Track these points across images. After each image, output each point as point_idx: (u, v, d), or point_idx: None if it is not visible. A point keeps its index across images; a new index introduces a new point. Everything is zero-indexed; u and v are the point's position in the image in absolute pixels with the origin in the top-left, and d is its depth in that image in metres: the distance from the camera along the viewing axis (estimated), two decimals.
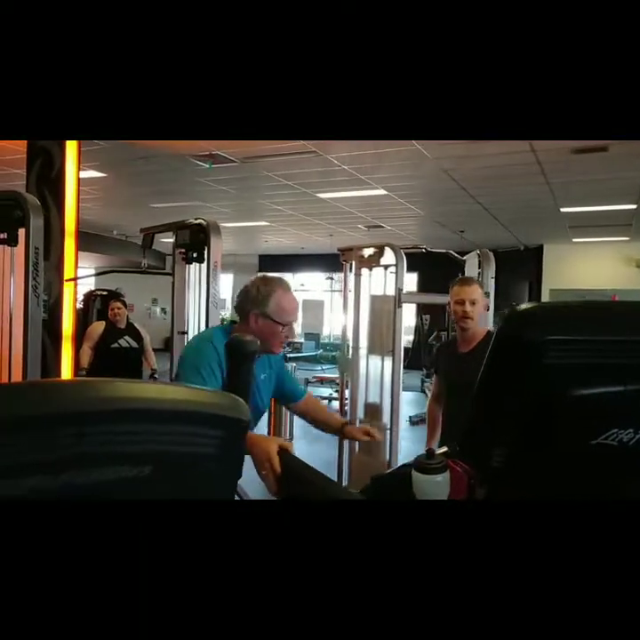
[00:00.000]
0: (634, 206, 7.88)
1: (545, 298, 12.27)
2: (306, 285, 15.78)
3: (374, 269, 3.82)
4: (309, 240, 12.31)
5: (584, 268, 11.75)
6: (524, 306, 0.86)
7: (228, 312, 15.81)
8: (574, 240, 11.00)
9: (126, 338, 4.72)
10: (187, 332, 3.86)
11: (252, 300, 1.81)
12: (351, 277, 4.14)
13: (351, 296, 4.15)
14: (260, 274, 1.76)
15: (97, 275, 6.10)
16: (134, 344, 4.75)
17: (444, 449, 1.03)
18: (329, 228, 10.56)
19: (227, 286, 16.31)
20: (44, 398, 0.45)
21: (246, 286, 1.85)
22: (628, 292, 11.29)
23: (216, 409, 0.53)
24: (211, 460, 0.53)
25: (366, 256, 3.84)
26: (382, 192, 7.46)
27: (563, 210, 8.20)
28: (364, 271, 3.97)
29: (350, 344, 4.24)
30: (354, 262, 4.05)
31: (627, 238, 10.63)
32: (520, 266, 12.19)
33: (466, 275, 4.33)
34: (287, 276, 15.60)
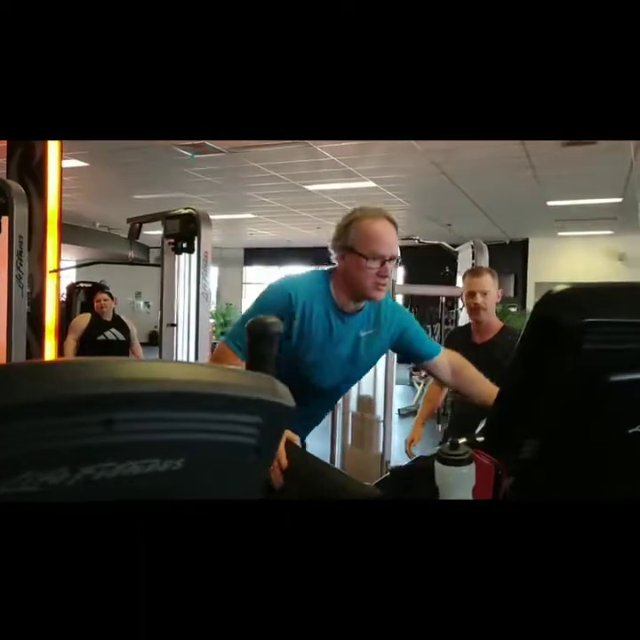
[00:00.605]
0: (619, 200, 7.93)
1: (530, 292, 12.34)
2: None
3: None
4: (296, 233, 12.22)
5: (568, 261, 11.83)
6: (560, 287, 0.81)
7: (212, 306, 15.71)
8: (559, 234, 11.07)
9: (113, 330, 4.62)
10: (176, 325, 3.78)
11: (335, 235, 1.55)
12: None
13: None
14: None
15: (81, 266, 5.97)
16: (121, 336, 4.65)
17: (464, 440, 0.97)
18: (316, 220, 10.48)
19: (212, 280, 16.17)
20: (66, 379, 0.39)
21: None
22: None
23: (254, 393, 0.47)
24: (250, 451, 0.46)
25: None
26: (371, 184, 7.41)
27: (549, 203, 8.23)
28: None
29: None
30: None
31: (611, 232, 10.72)
32: (506, 259, 12.21)
33: (459, 267, 4.30)
34: (273, 270, 15.60)
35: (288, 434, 1.20)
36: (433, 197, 8.20)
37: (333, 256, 1.57)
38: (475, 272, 2.60)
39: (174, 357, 3.78)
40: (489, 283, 2.48)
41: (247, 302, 16.06)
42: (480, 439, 0.99)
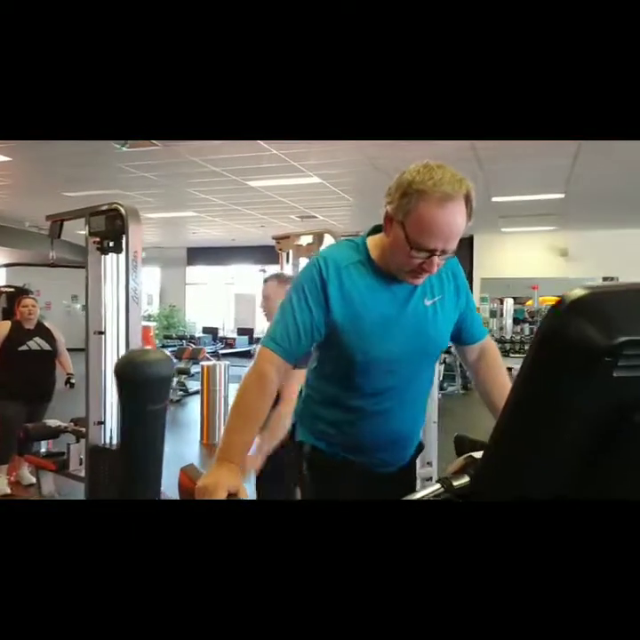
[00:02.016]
0: (562, 196, 8.00)
1: (476, 287, 12.44)
2: (236, 279, 15.34)
3: None
4: (240, 231, 11.88)
5: (512, 257, 12.00)
6: (579, 291, 0.57)
7: (155, 308, 15.17)
8: (503, 230, 11.17)
9: (37, 339, 4.18)
10: (104, 332, 3.42)
11: (390, 192, 1.23)
12: (288, 267, 3.83)
13: (288, 288, 3.84)
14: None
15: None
16: (46, 346, 4.22)
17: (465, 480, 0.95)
18: (260, 218, 10.19)
19: (153, 281, 15.61)
20: None
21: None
22: (552, 280, 11.63)
23: None
24: None
25: (305, 244, 3.54)
26: (316, 180, 7.18)
27: (494, 199, 8.22)
28: (303, 260, 3.67)
29: None
30: (291, 251, 3.74)
31: (553, 228, 10.90)
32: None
33: None
34: (218, 270, 15.22)
35: (234, 487, 1.09)
36: (377, 194, 8.03)
37: (382, 210, 1.27)
38: (265, 279, 2.86)
39: (102, 369, 3.42)
40: (271, 288, 2.74)
41: (190, 303, 15.62)
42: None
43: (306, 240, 3.58)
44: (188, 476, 1.32)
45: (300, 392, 1.54)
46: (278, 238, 3.84)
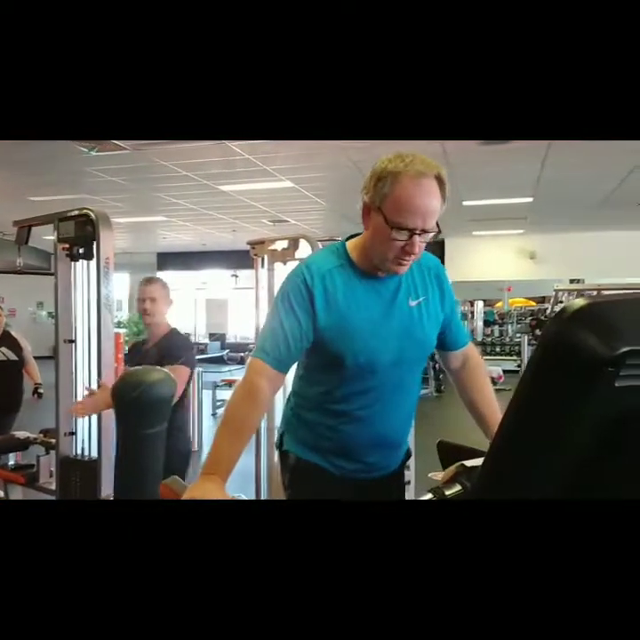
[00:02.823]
0: (530, 199, 8.16)
1: None
2: (209, 284, 15.21)
3: (289, 264, 3.50)
4: (211, 236, 11.80)
5: (482, 260, 12.18)
6: (581, 301, 0.57)
7: (124, 314, 14.91)
8: (474, 233, 11.33)
9: (2, 349, 4.06)
10: (74, 341, 3.33)
11: (366, 182, 1.25)
12: (263, 273, 3.79)
13: (263, 293, 3.80)
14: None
15: None
16: (13, 356, 4.09)
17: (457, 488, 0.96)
18: (232, 223, 10.13)
19: (122, 288, 15.35)
20: None
21: None
22: (521, 282, 11.85)
23: None
24: None
25: (280, 249, 3.51)
26: (288, 184, 7.16)
27: (465, 203, 8.34)
28: (278, 266, 3.64)
29: None
30: (266, 257, 3.71)
31: (522, 231, 11.10)
32: None
33: None
34: (189, 275, 15.07)
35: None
36: (350, 197, 8.06)
37: (359, 205, 1.29)
38: (147, 281, 3.02)
39: (73, 377, 3.33)
40: (157, 290, 2.91)
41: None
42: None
43: (281, 245, 3.55)
44: (170, 488, 1.28)
45: (289, 400, 1.52)
46: (253, 243, 3.80)
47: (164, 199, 8.26)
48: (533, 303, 12.37)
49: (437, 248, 12.43)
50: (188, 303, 15.48)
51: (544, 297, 11.43)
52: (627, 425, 0.59)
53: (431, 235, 1.23)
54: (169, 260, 14.94)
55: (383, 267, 1.28)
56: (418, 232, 1.21)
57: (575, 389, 0.56)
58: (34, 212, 3.57)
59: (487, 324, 12.78)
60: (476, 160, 6.15)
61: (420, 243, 1.22)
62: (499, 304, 12.67)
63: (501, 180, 7.12)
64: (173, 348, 2.84)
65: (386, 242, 1.22)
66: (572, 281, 11.04)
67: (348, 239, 1.38)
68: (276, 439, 1.56)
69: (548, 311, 8.67)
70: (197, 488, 1.08)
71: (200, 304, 15.62)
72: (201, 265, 14.67)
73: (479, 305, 12.44)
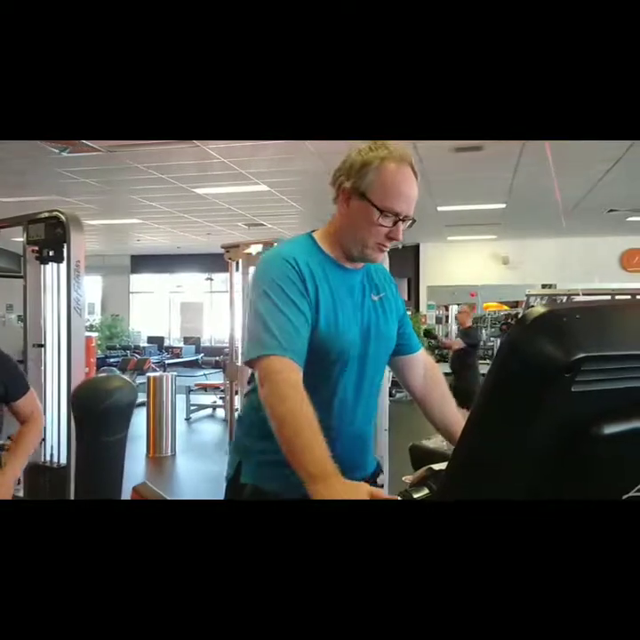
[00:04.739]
0: (503, 206, 8.29)
1: (423, 294, 12.69)
2: (183, 287, 15.09)
3: None
4: (186, 239, 11.70)
5: (457, 264, 12.32)
6: (540, 309, 0.58)
7: (97, 317, 14.70)
8: (449, 238, 11.46)
9: None
10: (44, 345, 3.27)
11: (344, 169, 1.26)
12: (237, 276, 3.78)
13: (238, 296, 3.79)
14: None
15: None
16: None
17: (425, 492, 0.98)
18: (207, 226, 10.07)
19: (95, 290, 15.14)
20: None
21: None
22: (494, 286, 12.00)
23: None
24: None
25: (254, 253, 3.50)
26: (263, 188, 7.15)
27: (439, 208, 8.42)
28: (252, 269, 3.63)
29: (239, 348, 3.87)
30: (240, 260, 3.69)
31: (495, 236, 11.26)
32: (399, 263, 12.48)
33: None
34: (163, 278, 14.93)
35: (373, 490, 0.98)
36: (325, 202, 8.08)
37: (332, 195, 1.28)
38: None
39: (42, 383, 3.27)
40: None
41: (134, 312, 15.24)
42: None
43: (256, 249, 3.55)
44: (141, 495, 1.24)
45: (242, 418, 1.38)
46: (227, 247, 3.79)
47: (138, 201, 8.17)
48: (507, 307, 12.54)
49: (412, 252, 12.55)
50: (163, 306, 15.34)
51: (517, 301, 11.60)
52: (583, 429, 0.60)
53: (408, 223, 1.25)
54: (143, 262, 14.78)
55: (360, 254, 1.27)
56: (402, 218, 1.23)
57: (533, 395, 0.57)
58: (3, 214, 3.51)
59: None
60: (450, 167, 6.22)
61: (401, 229, 1.24)
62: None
63: (475, 187, 7.22)
64: None
65: (370, 227, 1.22)
66: (543, 286, 11.23)
67: (308, 232, 1.36)
68: (226, 472, 1.37)
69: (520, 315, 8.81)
70: (341, 491, 0.96)
71: (175, 307, 15.48)
72: (175, 268, 14.55)
73: (453, 309, 12.55)
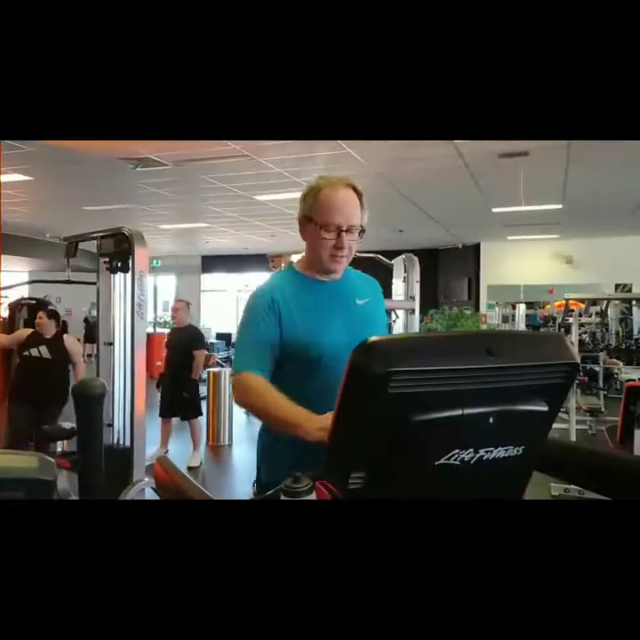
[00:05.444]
0: (559, 206, 8.19)
1: (483, 293, 12.59)
2: (250, 286, 15.63)
3: None
4: (251, 240, 12.21)
5: (519, 264, 12.11)
6: (372, 339, 0.90)
7: (169, 315, 15.51)
8: (509, 238, 11.33)
9: (42, 348, 4.41)
10: (113, 344, 3.79)
11: (300, 202, 1.53)
12: None
13: None
14: None
15: (11, 287, 5.87)
16: (47, 354, 4.42)
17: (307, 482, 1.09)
18: (270, 228, 10.51)
19: (169, 288, 16.02)
20: None
21: None
22: (561, 286, 11.73)
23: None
24: None
25: (296, 261, 3.85)
26: None
27: (494, 210, 8.45)
28: None
29: None
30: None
31: (557, 236, 11.04)
32: (459, 263, 12.50)
33: (393, 279, 4.42)
34: (232, 277, 15.54)
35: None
36: (380, 205, 8.32)
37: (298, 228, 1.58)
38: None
39: (111, 376, 3.79)
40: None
41: (206, 310, 15.98)
42: None
43: (296, 257, 3.90)
44: (162, 466, 1.55)
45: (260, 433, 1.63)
46: (272, 257, 4.18)
47: (205, 208, 8.74)
48: (582, 305, 12.13)
49: (473, 251, 12.50)
50: (231, 304, 15.99)
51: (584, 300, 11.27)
52: (401, 417, 0.90)
53: (357, 234, 1.49)
54: (213, 262, 15.46)
55: (322, 267, 1.50)
56: (344, 229, 1.45)
57: (363, 398, 0.88)
58: (88, 220, 4.02)
59: (530, 327, 12.44)
60: (498, 170, 6.31)
61: (348, 240, 1.46)
62: (548, 307, 12.36)
63: (526, 189, 7.23)
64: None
65: (319, 242, 1.46)
66: (617, 286, 10.86)
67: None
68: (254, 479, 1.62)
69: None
70: (320, 421, 1.19)
71: (242, 305, 15.98)
72: (243, 267, 15.12)
73: (521, 308, 12.21)
